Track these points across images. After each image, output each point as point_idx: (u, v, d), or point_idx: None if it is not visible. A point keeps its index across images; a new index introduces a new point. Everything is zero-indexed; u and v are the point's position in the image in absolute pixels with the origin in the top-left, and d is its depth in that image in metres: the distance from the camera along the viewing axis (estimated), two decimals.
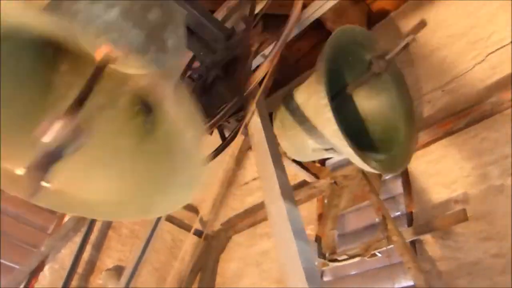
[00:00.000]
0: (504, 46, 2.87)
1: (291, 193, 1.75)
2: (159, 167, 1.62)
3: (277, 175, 1.77)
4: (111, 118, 1.58)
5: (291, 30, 2.09)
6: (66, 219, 3.81)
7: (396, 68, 2.94)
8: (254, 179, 4.26)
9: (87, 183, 1.59)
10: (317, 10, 2.35)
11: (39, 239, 3.65)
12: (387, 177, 3.15)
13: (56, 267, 3.63)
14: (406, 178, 2.94)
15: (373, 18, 3.96)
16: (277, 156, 1.88)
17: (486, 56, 2.94)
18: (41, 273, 3.55)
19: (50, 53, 1.52)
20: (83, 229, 3.70)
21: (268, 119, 2.03)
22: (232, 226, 4.17)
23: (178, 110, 1.39)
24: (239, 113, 2.14)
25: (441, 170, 2.80)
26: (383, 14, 3.90)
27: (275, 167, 1.81)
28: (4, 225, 3.47)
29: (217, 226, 4.35)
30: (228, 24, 2.62)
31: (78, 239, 3.70)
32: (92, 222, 3.71)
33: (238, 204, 4.32)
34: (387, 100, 2.83)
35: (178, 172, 1.58)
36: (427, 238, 2.63)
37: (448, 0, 3.41)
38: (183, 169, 1.56)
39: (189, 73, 2.63)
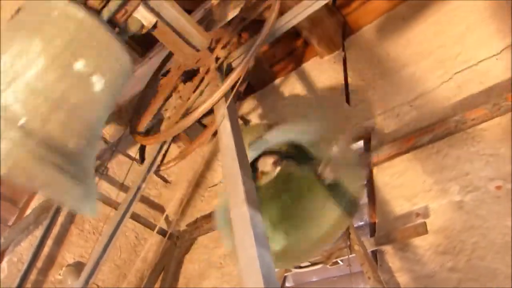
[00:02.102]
0: (471, 66, 2.97)
1: (255, 198, 1.76)
2: None
3: (242, 180, 1.78)
4: None
5: (265, 37, 2.10)
6: (28, 211, 3.72)
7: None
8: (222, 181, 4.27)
9: None
10: (293, 18, 2.36)
11: None
12: None
13: (14, 260, 3.54)
14: (371, 189, 3.01)
15: (348, 30, 4.03)
16: (244, 161, 1.89)
17: (453, 75, 3.04)
18: None
19: None
20: (45, 223, 3.61)
21: (238, 124, 2.04)
22: (198, 228, 4.15)
23: None
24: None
25: (404, 183, 2.88)
26: (358, 26, 3.97)
27: (241, 172, 1.82)
28: None
29: (182, 226, 4.32)
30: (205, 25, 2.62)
31: (39, 232, 3.61)
32: (55, 216, 3.63)
33: (205, 205, 4.30)
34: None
35: None
36: (388, 249, 2.70)
37: (420, 18, 3.50)
38: None
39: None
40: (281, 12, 2.36)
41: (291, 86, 4.26)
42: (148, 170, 2.63)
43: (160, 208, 4.48)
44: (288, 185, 2.46)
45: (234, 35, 2.38)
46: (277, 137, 2.27)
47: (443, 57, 3.16)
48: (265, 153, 2.42)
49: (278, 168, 2.45)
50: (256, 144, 2.17)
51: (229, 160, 1.92)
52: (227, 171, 1.91)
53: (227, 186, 1.88)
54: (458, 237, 2.45)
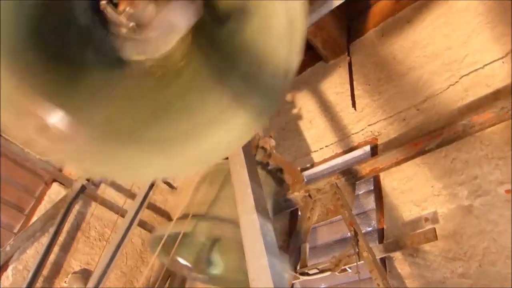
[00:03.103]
0: (477, 69, 2.95)
1: (265, 206, 1.74)
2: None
3: (251, 187, 1.77)
4: None
5: None
6: (33, 219, 3.72)
7: None
8: None
9: None
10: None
11: (4, 238, 3.54)
12: (360, 192, 3.19)
13: (20, 268, 3.53)
14: (379, 194, 2.99)
15: (353, 33, 4.02)
16: (252, 168, 1.88)
17: (460, 78, 3.02)
18: (3, 274, 3.44)
19: None
20: (51, 230, 3.61)
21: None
22: None
23: None
24: None
25: (412, 187, 2.85)
26: (363, 30, 3.96)
27: (250, 179, 1.81)
28: None
29: None
30: None
31: (45, 239, 3.61)
32: (61, 223, 3.63)
33: None
34: None
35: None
36: (397, 255, 2.67)
37: (425, 21, 3.49)
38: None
39: None
40: None
41: (296, 90, 4.25)
42: None
43: (166, 214, 4.47)
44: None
45: None
46: None
47: (450, 60, 3.15)
48: None
49: None
50: None
51: (237, 167, 1.91)
52: (236, 178, 1.90)
53: (236, 193, 1.87)
54: (468, 243, 2.42)
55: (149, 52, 1.47)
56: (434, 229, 2.46)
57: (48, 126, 1.17)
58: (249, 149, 2.04)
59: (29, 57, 1.19)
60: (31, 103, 1.17)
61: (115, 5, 1.36)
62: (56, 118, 1.18)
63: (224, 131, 1.32)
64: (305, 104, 4.11)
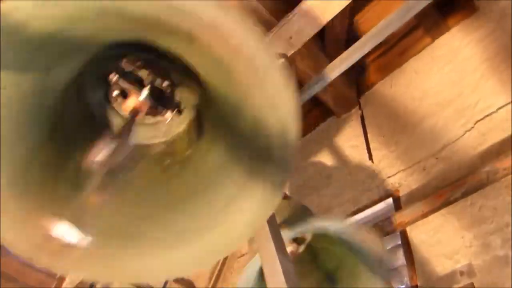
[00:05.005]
0: (490, 114, 2.95)
1: (295, 280, 1.69)
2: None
3: (280, 260, 1.73)
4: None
5: None
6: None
7: None
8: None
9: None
10: (315, 86, 2.38)
11: None
12: (387, 248, 3.10)
13: None
14: (408, 249, 2.90)
15: (362, 87, 4.07)
16: (279, 240, 1.84)
17: (475, 123, 3.01)
18: None
19: None
20: None
21: None
22: None
23: None
24: None
25: (441, 239, 2.77)
26: (371, 83, 4.01)
27: (277, 251, 1.77)
28: None
29: None
30: None
31: None
32: None
33: (235, 278, 4.18)
34: None
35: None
36: None
37: (432, 70, 3.53)
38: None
39: None
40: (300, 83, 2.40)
41: (311, 147, 4.25)
42: None
43: (189, 284, 4.37)
44: (319, 261, 2.36)
45: None
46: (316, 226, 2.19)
47: (463, 106, 3.15)
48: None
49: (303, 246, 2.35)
50: (296, 224, 2.09)
51: (263, 240, 1.87)
52: (263, 252, 1.86)
53: (264, 267, 1.83)
54: None
55: (161, 135, 1.45)
56: (473, 284, 2.36)
57: (51, 236, 1.14)
58: (274, 219, 2.01)
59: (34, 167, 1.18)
60: (34, 213, 1.15)
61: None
62: (60, 226, 1.15)
63: (243, 211, 1.30)
64: (321, 160, 4.10)
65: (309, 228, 2.18)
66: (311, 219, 2.19)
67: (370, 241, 2.08)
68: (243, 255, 4.27)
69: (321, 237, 2.27)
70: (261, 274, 2.01)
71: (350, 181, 3.72)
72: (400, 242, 3.04)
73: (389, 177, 3.39)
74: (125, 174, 1.31)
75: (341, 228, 2.15)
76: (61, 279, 3.79)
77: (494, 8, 3.28)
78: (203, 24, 0.91)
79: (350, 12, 3.57)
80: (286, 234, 2.05)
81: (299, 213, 2.24)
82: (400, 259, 2.99)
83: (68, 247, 1.14)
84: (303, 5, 1.98)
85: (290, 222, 2.07)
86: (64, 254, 1.14)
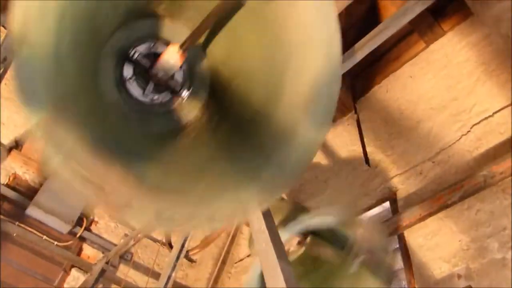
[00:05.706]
0: (487, 117, 2.96)
1: (294, 282, 1.69)
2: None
3: (280, 266, 1.72)
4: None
5: None
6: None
7: None
8: (249, 255, 4.16)
9: None
10: None
11: None
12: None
13: None
14: (406, 253, 2.91)
15: (358, 91, 4.09)
16: (279, 245, 1.84)
17: (471, 127, 3.03)
18: None
19: None
20: None
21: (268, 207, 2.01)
22: None
23: None
24: None
25: (439, 243, 2.78)
26: (367, 87, 4.03)
27: (278, 257, 1.77)
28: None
29: None
30: None
31: None
32: None
33: (233, 282, 4.18)
34: None
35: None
36: None
37: (427, 75, 3.55)
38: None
39: None
40: None
41: None
42: (177, 258, 2.60)
43: None
44: (316, 264, 2.37)
45: None
46: (312, 222, 2.19)
47: (458, 110, 3.17)
48: None
49: (303, 248, 2.36)
50: (289, 225, 2.10)
51: (262, 245, 1.87)
52: (263, 257, 1.86)
53: (264, 273, 1.82)
54: None
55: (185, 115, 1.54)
56: (470, 286, 2.37)
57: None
58: (273, 224, 2.01)
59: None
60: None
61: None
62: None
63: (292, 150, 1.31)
64: (318, 164, 4.11)
65: (308, 224, 2.19)
66: (309, 215, 2.19)
67: (371, 238, 2.09)
68: (241, 260, 4.27)
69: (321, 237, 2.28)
70: (262, 277, 2.02)
71: (347, 186, 3.73)
72: (397, 246, 3.05)
73: (386, 181, 3.40)
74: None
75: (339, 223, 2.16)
76: (61, 283, 3.78)
77: (489, 13, 3.30)
78: None
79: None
80: (285, 234, 2.06)
81: (298, 213, 2.24)
82: (397, 262, 2.99)
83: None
84: None
85: (288, 222, 2.08)
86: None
